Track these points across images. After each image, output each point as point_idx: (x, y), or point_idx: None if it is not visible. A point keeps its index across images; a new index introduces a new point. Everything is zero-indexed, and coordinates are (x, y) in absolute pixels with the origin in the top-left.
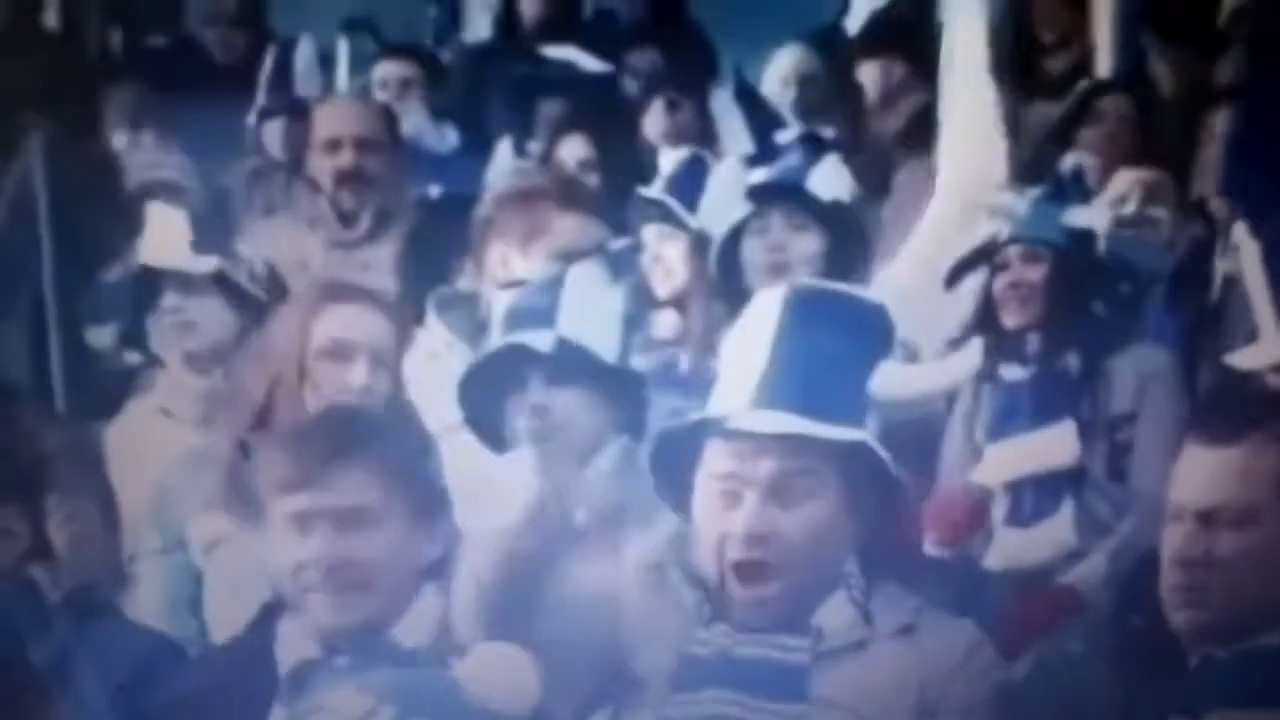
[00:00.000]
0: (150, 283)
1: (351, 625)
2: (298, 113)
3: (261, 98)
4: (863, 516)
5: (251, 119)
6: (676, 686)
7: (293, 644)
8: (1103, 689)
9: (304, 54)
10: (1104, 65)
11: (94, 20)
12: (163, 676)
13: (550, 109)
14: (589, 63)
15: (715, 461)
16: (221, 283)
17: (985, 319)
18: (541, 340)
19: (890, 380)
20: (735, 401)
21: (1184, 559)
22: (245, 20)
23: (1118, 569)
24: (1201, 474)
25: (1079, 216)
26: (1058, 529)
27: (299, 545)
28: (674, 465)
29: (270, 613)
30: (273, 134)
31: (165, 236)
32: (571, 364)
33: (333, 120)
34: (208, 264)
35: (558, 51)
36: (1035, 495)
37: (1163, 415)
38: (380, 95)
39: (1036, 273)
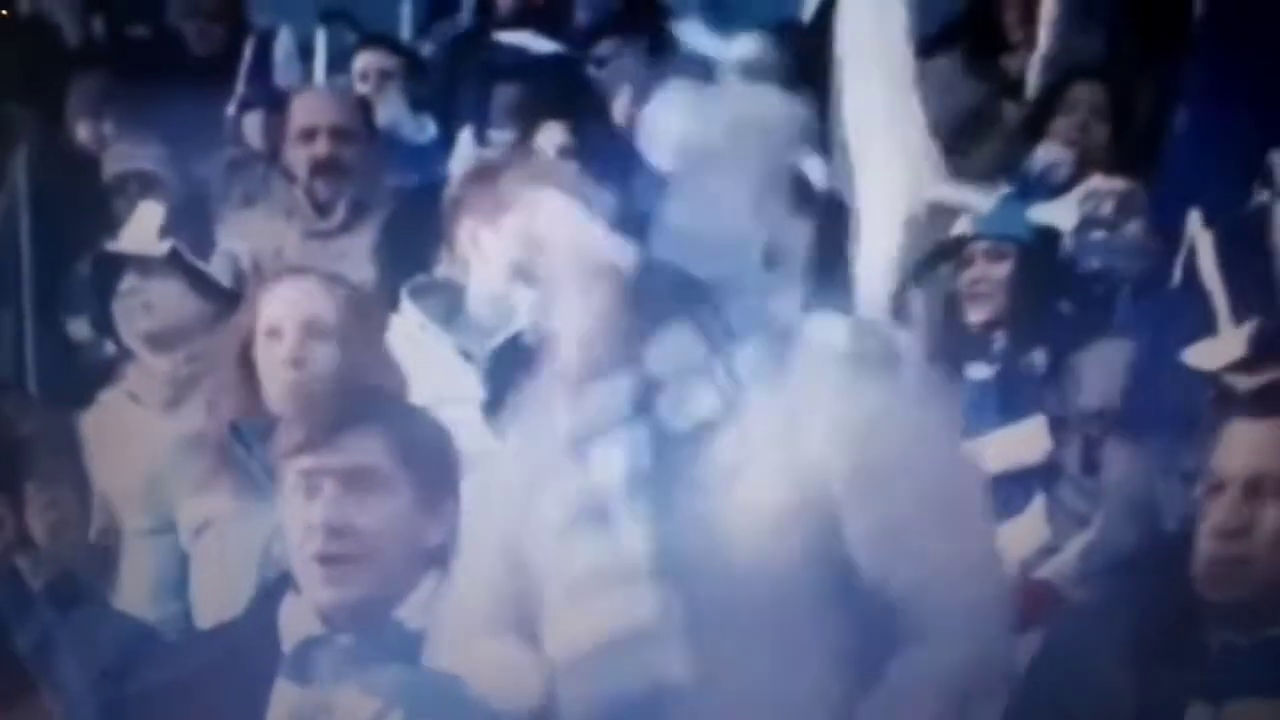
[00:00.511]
0: (111, 267)
1: (350, 601)
2: (276, 104)
3: (241, 89)
4: None
5: (231, 110)
6: None
7: (295, 622)
8: (1119, 675)
9: (283, 45)
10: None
11: (76, 9)
12: (146, 662)
13: (506, 95)
14: (543, 45)
15: None
16: (178, 264)
17: (949, 315)
18: None
19: None
20: None
21: (1226, 530)
22: (224, 12)
23: (1091, 563)
24: (1248, 445)
25: (1045, 214)
26: (1030, 524)
27: (305, 509)
28: None
29: (274, 590)
30: (252, 125)
31: (144, 227)
32: None
33: (308, 110)
34: (162, 247)
35: (511, 37)
36: (1007, 491)
37: (1133, 410)
38: (360, 87)
39: (1000, 269)
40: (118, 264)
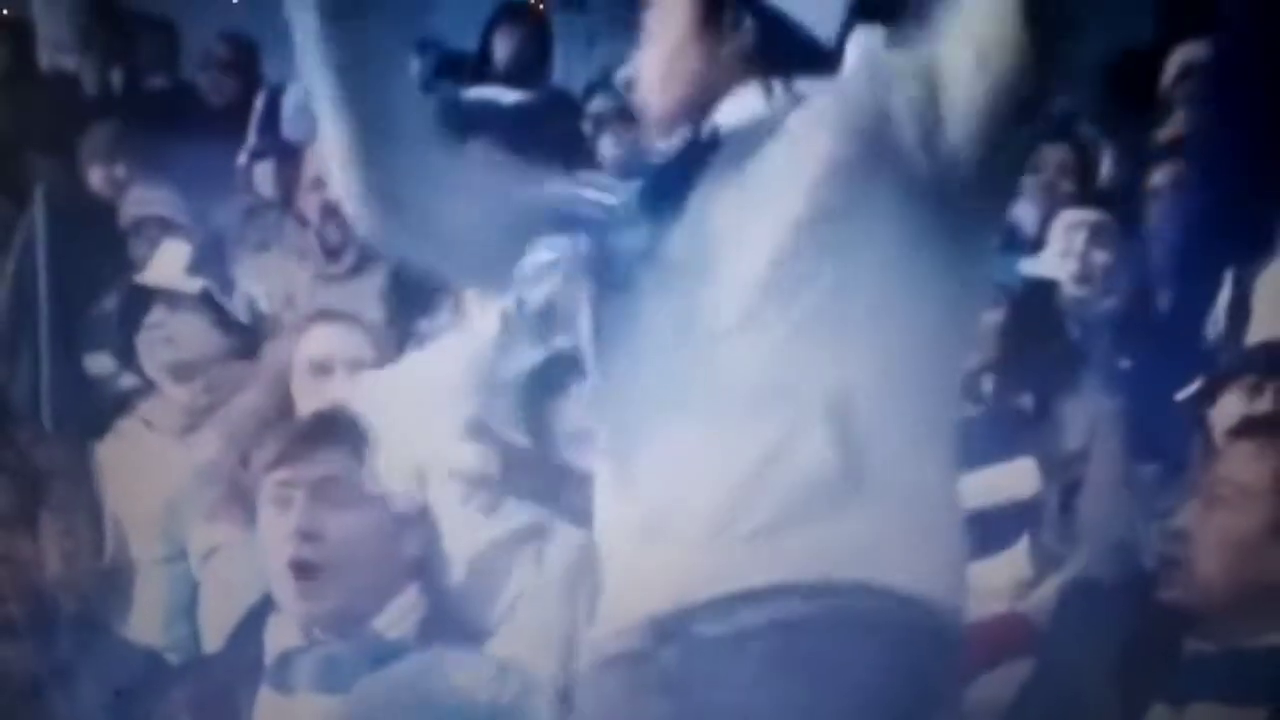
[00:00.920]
0: (139, 300)
1: (325, 613)
2: (287, 154)
3: (252, 139)
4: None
5: (242, 159)
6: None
7: (278, 636)
8: (1092, 677)
9: (292, 99)
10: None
11: (95, 62)
12: (153, 687)
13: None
14: (508, 95)
15: None
16: (205, 301)
17: None
18: None
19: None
20: None
21: (1240, 536)
22: (237, 66)
23: (1066, 598)
24: (1263, 459)
25: (1037, 266)
26: (1015, 561)
27: (279, 520)
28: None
29: (260, 612)
30: (263, 174)
31: (170, 264)
32: None
33: (320, 158)
34: (194, 284)
35: (478, 92)
36: (995, 528)
37: (1111, 453)
38: None
39: (992, 317)
40: (146, 297)
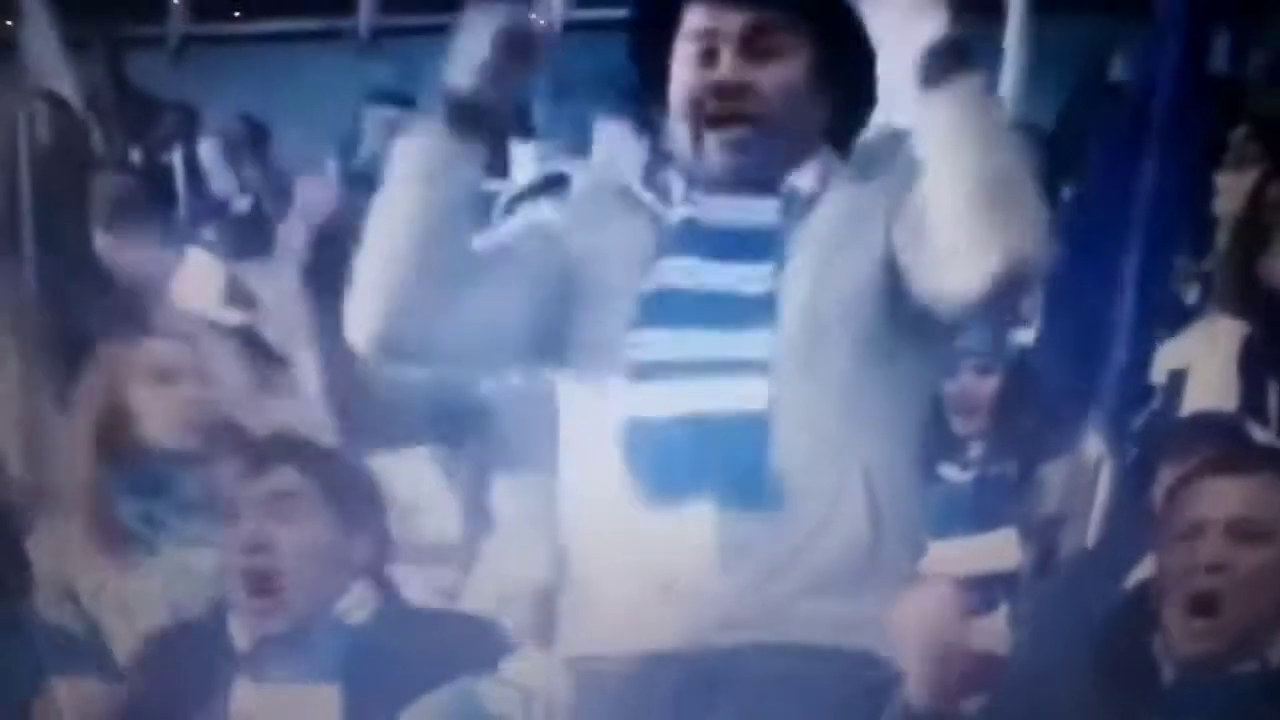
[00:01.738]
0: None
1: (274, 636)
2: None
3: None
4: (833, 95)
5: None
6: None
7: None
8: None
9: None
10: None
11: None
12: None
13: None
14: None
15: (692, 19)
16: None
17: (936, 420)
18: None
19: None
20: None
21: (1207, 565)
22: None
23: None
24: (1228, 494)
25: (1026, 335)
26: (993, 627)
27: (230, 536)
28: (653, 36)
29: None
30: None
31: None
32: None
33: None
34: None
35: None
36: (974, 595)
37: (1085, 518)
38: None
39: (987, 386)
40: None
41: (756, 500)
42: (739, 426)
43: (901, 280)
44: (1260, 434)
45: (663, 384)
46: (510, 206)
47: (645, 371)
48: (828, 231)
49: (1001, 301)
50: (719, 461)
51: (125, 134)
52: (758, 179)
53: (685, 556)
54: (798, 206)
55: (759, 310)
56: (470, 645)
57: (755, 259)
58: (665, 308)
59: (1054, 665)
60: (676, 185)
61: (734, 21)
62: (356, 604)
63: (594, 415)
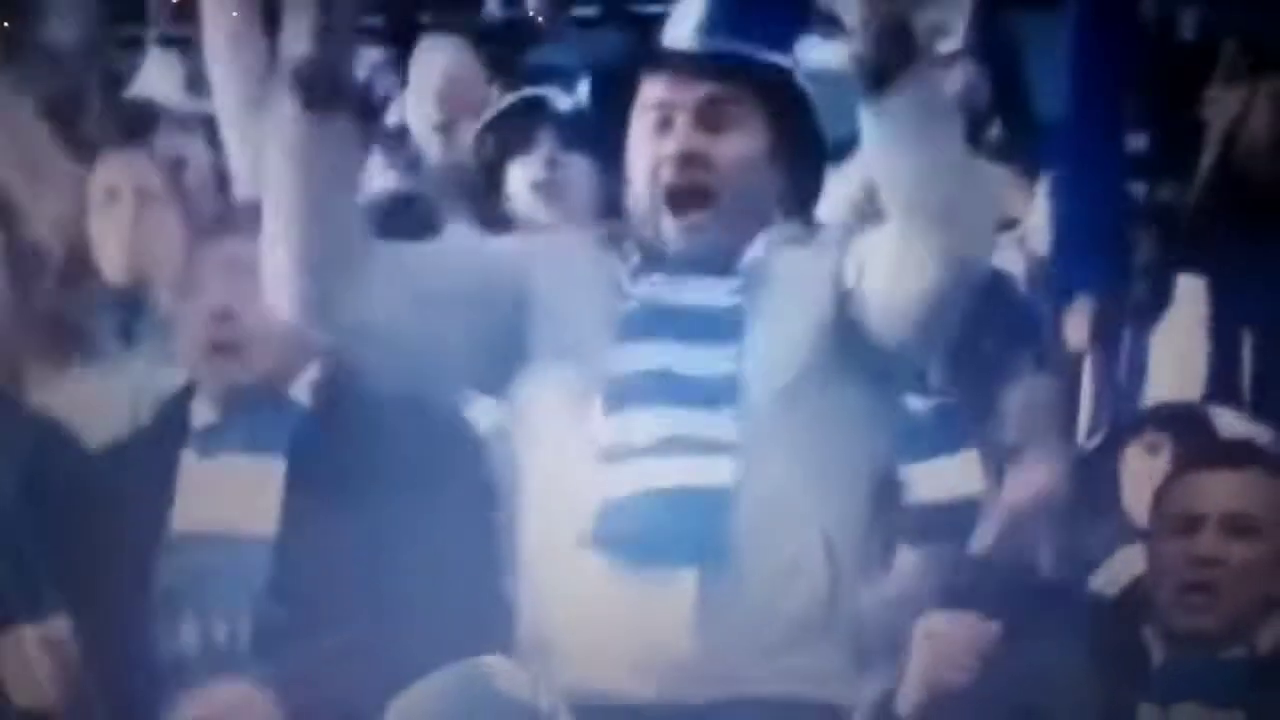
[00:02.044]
0: None
1: (237, 388)
2: None
3: None
4: (786, 164)
5: None
6: (604, 342)
7: (199, 415)
8: (1073, 678)
9: None
10: None
11: None
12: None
13: None
14: None
15: (650, 91)
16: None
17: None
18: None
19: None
20: (677, 32)
21: (1202, 559)
22: None
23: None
24: (1223, 488)
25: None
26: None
27: (197, 305)
28: (612, 104)
29: (184, 395)
30: None
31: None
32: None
33: None
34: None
35: None
36: (942, 524)
37: (1047, 446)
38: None
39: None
40: None
41: (722, 568)
42: (704, 500)
43: (857, 327)
44: (1229, 417)
45: (629, 463)
46: (482, 137)
47: (615, 454)
48: (782, 300)
49: (948, 313)
50: (687, 534)
51: None
52: (716, 259)
53: (661, 618)
54: (755, 281)
55: (723, 391)
56: (427, 444)
57: (718, 341)
58: (631, 389)
59: (1041, 651)
60: (633, 256)
61: (690, 94)
62: (309, 384)
63: (559, 485)
